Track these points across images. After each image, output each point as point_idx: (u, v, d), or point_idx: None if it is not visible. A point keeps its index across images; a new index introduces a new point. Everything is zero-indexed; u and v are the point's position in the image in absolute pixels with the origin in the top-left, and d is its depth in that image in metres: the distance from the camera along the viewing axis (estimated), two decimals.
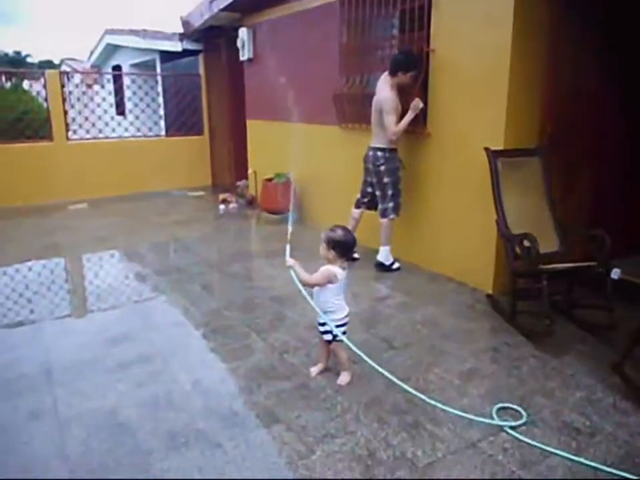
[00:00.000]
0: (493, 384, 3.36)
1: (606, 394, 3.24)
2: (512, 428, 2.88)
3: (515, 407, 3.09)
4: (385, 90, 5.16)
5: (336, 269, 3.19)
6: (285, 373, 3.50)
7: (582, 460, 2.63)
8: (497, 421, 2.92)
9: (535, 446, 2.75)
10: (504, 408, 3.09)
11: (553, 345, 3.82)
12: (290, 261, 3.31)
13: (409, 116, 5.07)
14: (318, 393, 3.25)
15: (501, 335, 4.05)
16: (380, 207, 5.43)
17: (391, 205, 5.35)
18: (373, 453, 2.71)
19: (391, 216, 5.38)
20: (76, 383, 3.40)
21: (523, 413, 3.00)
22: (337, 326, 3.23)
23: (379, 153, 5.28)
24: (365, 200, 5.60)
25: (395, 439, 2.82)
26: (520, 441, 2.80)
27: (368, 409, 3.08)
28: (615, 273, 4.01)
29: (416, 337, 3.79)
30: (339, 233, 3.20)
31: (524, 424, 2.93)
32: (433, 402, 2.98)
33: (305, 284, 3.26)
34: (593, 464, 2.60)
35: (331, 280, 3.17)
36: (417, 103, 5.06)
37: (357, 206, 5.66)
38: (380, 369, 3.01)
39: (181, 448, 2.75)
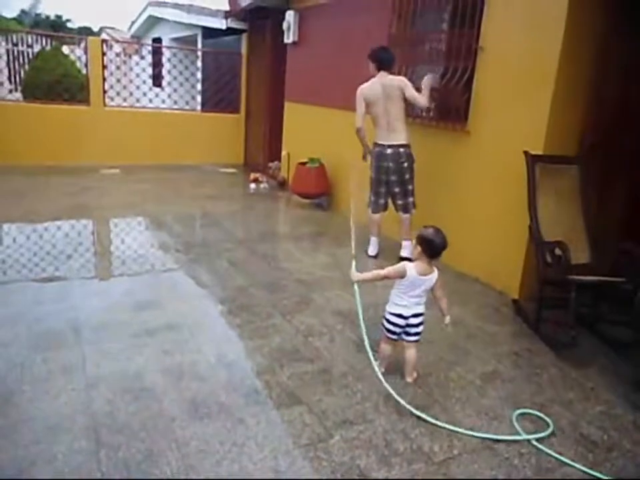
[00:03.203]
0: (513, 388, 3.36)
1: (626, 411, 3.22)
2: (538, 440, 2.85)
3: (538, 414, 3.09)
4: (395, 76, 5.32)
5: (410, 268, 3.15)
6: (309, 356, 3.54)
7: (597, 474, 2.62)
8: (524, 436, 2.86)
9: (553, 456, 2.75)
10: (524, 414, 3.09)
11: (575, 356, 3.81)
12: (355, 275, 3.33)
13: (427, 89, 5.14)
14: (340, 379, 3.28)
15: (523, 340, 4.04)
16: (400, 202, 5.44)
17: (411, 199, 5.43)
18: (390, 444, 2.73)
19: (413, 210, 5.45)
20: (103, 344, 3.48)
21: (550, 423, 2.98)
22: (386, 319, 3.27)
23: (402, 150, 5.27)
24: (382, 202, 5.55)
25: (413, 432, 2.84)
26: (539, 450, 2.80)
27: (388, 400, 3.09)
28: None
29: (439, 335, 3.79)
30: (430, 231, 3.18)
31: (550, 434, 2.91)
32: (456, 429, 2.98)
33: (375, 279, 3.30)
34: (607, 478, 2.60)
35: (402, 275, 3.16)
36: (432, 79, 5.21)
37: (376, 210, 5.57)
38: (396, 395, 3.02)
39: (203, 418, 2.80)
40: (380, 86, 5.23)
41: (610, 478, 2.61)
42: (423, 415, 2.93)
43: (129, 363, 3.28)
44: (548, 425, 2.98)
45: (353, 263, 3.41)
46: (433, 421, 2.89)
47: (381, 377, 3.13)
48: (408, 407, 2.97)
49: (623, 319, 4.09)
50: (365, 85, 5.31)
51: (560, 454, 2.75)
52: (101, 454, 2.49)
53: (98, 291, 4.41)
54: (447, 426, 2.88)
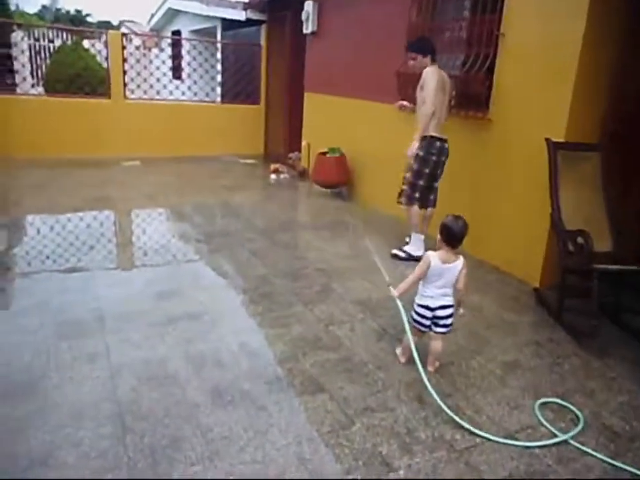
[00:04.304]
0: (534, 378, 3.35)
1: None
2: (572, 438, 2.80)
3: (566, 404, 3.08)
4: None
5: (433, 257, 3.15)
6: (330, 344, 3.56)
7: (620, 464, 2.61)
8: (561, 437, 2.78)
9: (575, 446, 2.74)
10: (547, 403, 3.08)
11: (597, 346, 3.78)
12: (394, 292, 3.31)
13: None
14: (361, 368, 3.29)
15: (545, 329, 4.02)
16: (433, 197, 5.31)
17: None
18: (412, 431, 2.74)
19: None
20: (127, 332, 3.53)
21: (580, 417, 2.96)
22: (414, 310, 3.27)
23: (447, 145, 5.14)
24: (432, 197, 5.32)
25: (435, 420, 2.85)
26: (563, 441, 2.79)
27: (409, 388, 3.11)
28: None
29: (460, 323, 3.77)
30: (449, 218, 3.19)
31: (582, 429, 2.88)
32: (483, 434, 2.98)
33: (412, 286, 3.25)
34: (630, 469, 2.59)
35: (428, 266, 3.14)
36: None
37: (425, 206, 5.30)
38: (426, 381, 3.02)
39: (227, 406, 2.83)
40: (443, 77, 5.03)
41: (632, 468, 2.60)
42: (458, 420, 2.86)
43: (152, 351, 3.32)
44: (575, 416, 2.97)
45: (390, 288, 3.35)
46: (470, 427, 2.80)
47: (421, 369, 3.07)
48: (441, 404, 2.93)
49: None
50: (432, 69, 4.97)
51: (582, 444, 2.74)
52: (126, 439, 2.53)
53: (120, 281, 4.46)
54: (482, 433, 2.77)
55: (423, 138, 4.98)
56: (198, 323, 3.72)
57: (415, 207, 5.26)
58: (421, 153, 5.02)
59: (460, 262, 3.17)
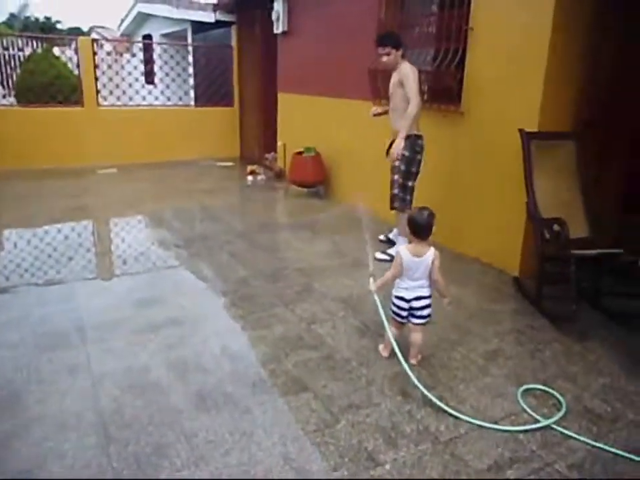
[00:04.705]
0: (516, 365, 3.39)
1: (629, 382, 3.24)
2: (556, 422, 2.84)
3: (548, 390, 3.12)
4: None
5: (404, 251, 3.20)
6: (313, 343, 3.56)
7: (602, 446, 2.65)
8: (543, 422, 2.82)
9: (558, 430, 2.77)
10: (529, 390, 3.12)
11: (577, 330, 3.83)
12: (372, 286, 3.37)
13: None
14: (344, 365, 3.30)
15: (525, 317, 4.06)
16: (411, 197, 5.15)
17: None
18: (397, 425, 2.76)
19: None
20: (108, 341, 3.50)
21: (562, 402, 3.00)
22: (392, 302, 3.31)
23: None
24: (411, 198, 5.13)
25: (419, 412, 2.87)
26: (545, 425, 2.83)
27: (392, 382, 3.13)
28: None
29: (441, 315, 3.81)
30: (414, 210, 3.27)
31: (565, 414, 2.91)
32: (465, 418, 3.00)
33: (389, 282, 3.31)
34: (613, 449, 2.63)
35: (400, 262, 3.20)
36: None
37: (409, 208, 4.98)
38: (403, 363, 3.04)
39: (210, 410, 2.83)
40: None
41: (614, 449, 2.64)
42: (450, 410, 2.89)
43: (134, 359, 3.30)
44: (558, 401, 3.01)
45: (370, 280, 3.40)
46: (456, 413, 2.86)
47: (402, 360, 3.12)
48: (424, 391, 2.98)
49: (624, 291, 4.12)
50: (409, 64, 4.87)
51: (565, 428, 2.78)
52: (110, 449, 2.52)
53: (100, 291, 4.43)
54: (467, 418, 2.84)
55: (407, 137, 4.83)
56: (179, 328, 3.71)
57: (400, 212, 5.07)
58: (407, 153, 4.87)
59: (431, 253, 3.20)
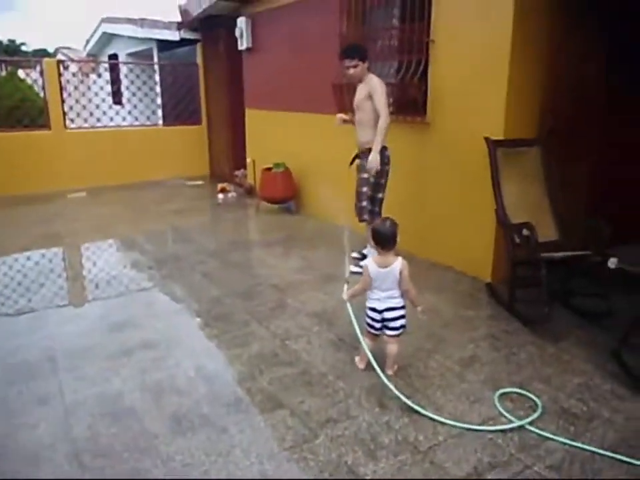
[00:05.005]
0: (492, 370, 3.41)
1: (603, 380, 3.29)
2: (531, 423, 2.87)
3: (523, 392, 3.15)
4: None
5: (370, 263, 3.24)
6: (288, 359, 3.55)
7: (579, 445, 2.68)
8: (517, 422, 2.86)
9: (536, 432, 2.80)
10: (506, 393, 3.14)
11: (551, 332, 3.88)
12: (344, 295, 3.44)
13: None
14: (320, 380, 3.29)
15: (499, 322, 4.10)
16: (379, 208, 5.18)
17: None
18: (375, 437, 2.75)
19: None
20: (81, 369, 3.44)
21: (538, 403, 3.03)
22: (365, 314, 3.33)
23: None
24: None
25: (397, 423, 2.87)
26: (522, 427, 2.84)
27: (370, 394, 3.13)
28: (612, 262, 4.03)
29: (416, 325, 3.82)
30: (378, 222, 3.30)
31: (541, 414, 2.95)
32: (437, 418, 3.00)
33: (360, 292, 3.36)
34: (590, 448, 2.66)
35: (368, 275, 3.23)
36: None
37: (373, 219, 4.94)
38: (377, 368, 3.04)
39: (186, 432, 2.79)
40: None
41: (591, 447, 2.67)
42: (430, 413, 2.94)
43: (108, 385, 3.25)
44: (534, 403, 3.03)
45: (345, 286, 3.45)
46: (434, 416, 2.91)
47: (378, 370, 3.16)
48: (401, 396, 2.99)
49: (594, 291, 4.18)
50: (376, 77, 4.87)
51: (542, 429, 2.81)
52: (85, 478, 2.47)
53: (72, 317, 4.36)
54: (443, 420, 2.88)
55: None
56: (153, 351, 3.66)
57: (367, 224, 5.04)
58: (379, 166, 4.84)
59: (398, 264, 3.20)
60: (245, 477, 2.48)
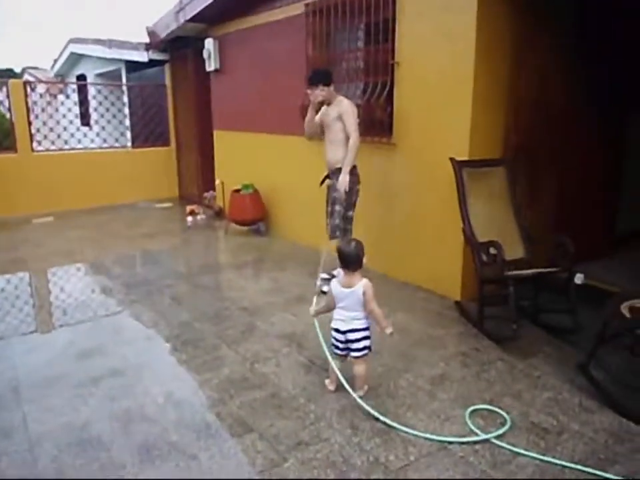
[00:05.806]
0: (462, 388, 3.43)
1: (572, 394, 3.33)
2: (500, 437, 2.90)
3: (493, 408, 3.17)
4: None
5: (334, 282, 3.27)
6: (257, 382, 3.52)
7: (550, 459, 2.70)
8: (483, 435, 2.90)
9: (507, 448, 2.81)
10: (477, 410, 3.16)
11: (520, 348, 3.92)
12: (311, 310, 3.56)
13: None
14: (290, 402, 3.27)
15: (469, 340, 4.13)
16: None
17: None
18: (347, 459, 2.74)
19: None
20: (46, 399, 3.36)
21: (506, 417, 3.06)
22: (331, 335, 3.34)
23: None
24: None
25: (369, 444, 2.86)
26: (492, 444, 2.86)
27: (341, 416, 3.11)
28: (579, 278, 4.11)
29: (386, 344, 3.83)
30: (342, 243, 3.31)
31: (509, 428, 2.98)
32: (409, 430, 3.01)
33: (327, 310, 3.40)
34: (560, 462, 2.68)
35: (330, 294, 3.28)
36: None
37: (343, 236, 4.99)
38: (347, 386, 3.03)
39: (155, 460, 2.74)
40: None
41: (562, 461, 2.69)
42: (394, 423, 2.95)
43: (74, 415, 3.18)
44: (504, 419, 3.05)
45: (314, 299, 3.45)
46: (402, 427, 2.97)
47: (350, 389, 3.20)
48: (370, 409, 2.98)
49: (562, 307, 4.23)
50: (345, 98, 4.98)
51: (513, 444, 2.82)
52: None
53: (38, 346, 4.26)
54: (415, 432, 2.93)
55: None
56: (121, 378, 3.60)
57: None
58: (350, 185, 4.88)
59: (361, 285, 3.18)
60: None
